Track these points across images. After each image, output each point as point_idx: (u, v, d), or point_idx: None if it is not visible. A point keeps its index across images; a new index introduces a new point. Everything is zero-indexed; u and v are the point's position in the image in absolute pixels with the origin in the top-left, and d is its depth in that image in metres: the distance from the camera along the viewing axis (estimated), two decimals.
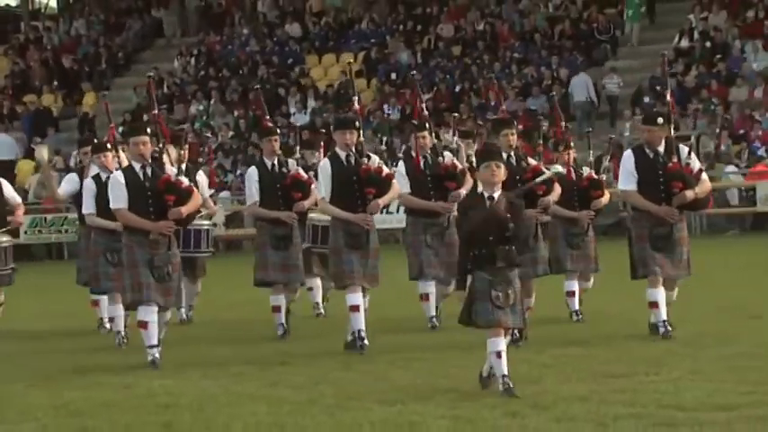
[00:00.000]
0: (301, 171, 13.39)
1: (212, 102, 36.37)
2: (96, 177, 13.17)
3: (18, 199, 14.94)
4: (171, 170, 11.64)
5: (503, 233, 9.13)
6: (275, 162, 13.24)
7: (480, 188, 9.32)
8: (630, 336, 12.05)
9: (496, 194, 9.18)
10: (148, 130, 11.61)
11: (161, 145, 12.09)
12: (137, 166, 11.43)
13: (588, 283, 13.84)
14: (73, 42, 41.41)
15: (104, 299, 14.06)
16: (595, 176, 13.37)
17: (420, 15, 39.28)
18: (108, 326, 14.24)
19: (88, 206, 13.20)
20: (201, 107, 36.03)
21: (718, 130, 30.31)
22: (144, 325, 11.38)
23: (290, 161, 13.57)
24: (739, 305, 11.82)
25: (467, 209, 9.38)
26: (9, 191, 14.69)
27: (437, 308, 13.26)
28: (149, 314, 11.33)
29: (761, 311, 11.02)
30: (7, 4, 46.86)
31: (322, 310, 15.00)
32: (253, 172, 13.28)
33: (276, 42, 39.31)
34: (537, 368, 10.55)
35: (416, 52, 36.95)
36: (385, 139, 32.36)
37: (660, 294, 11.65)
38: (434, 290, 13.18)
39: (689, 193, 11.55)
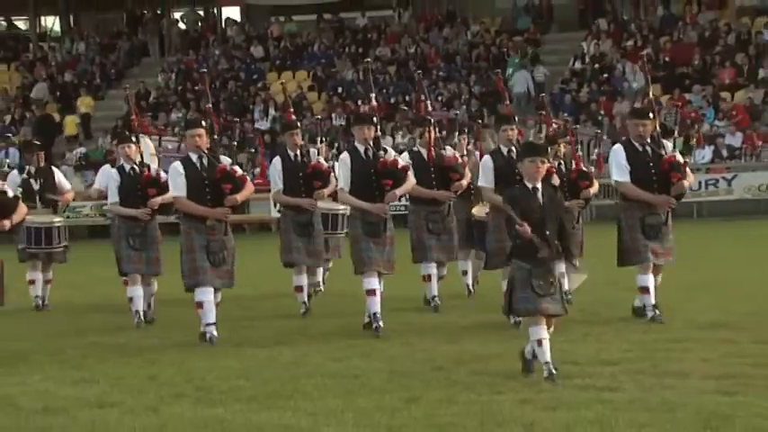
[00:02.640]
0: (322, 161, 12.32)
1: (190, 110, 36.31)
2: (120, 168, 12.12)
3: (68, 185, 14.41)
4: (226, 160, 10.70)
5: (547, 225, 8.08)
6: (297, 153, 12.16)
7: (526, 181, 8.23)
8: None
9: (539, 185, 8.19)
10: (203, 123, 10.72)
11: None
12: (194, 157, 10.50)
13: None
14: (73, 60, 41.27)
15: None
16: (584, 168, 12.12)
17: (362, 40, 39.40)
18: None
19: (112, 195, 12.08)
20: (180, 114, 35.88)
21: (605, 137, 30.52)
22: (200, 305, 10.46)
23: (312, 151, 12.55)
24: (623, 279, 11.90)
25: (514, 199, 8.19)
26: (60, 177, 14.24)
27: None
28: (206, 294, 10.42)
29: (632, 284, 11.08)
30: (18, 28, 46.46)
31: (322, 288, 13.64)
32: (277, 162, 12.19)
33: (242, 61, 39.37)
34: (458, 330, 10.59)
35: (359, 71, 37.02)
36: (328, 139, 32.43)
37: (651, 280, 10.66)
38: (435, 271, 12.31)
39: (686, 183, 10.67)
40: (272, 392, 8.02)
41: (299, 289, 12.28)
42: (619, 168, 10.69)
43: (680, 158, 10.71)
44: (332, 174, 12.16)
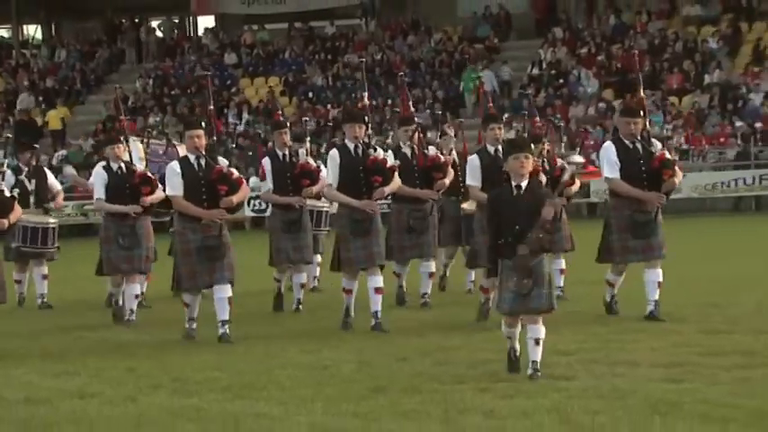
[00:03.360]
0: (310, 160, 11.95)
1: (166, 114, 36.26)
2: (107, 167, 11.54)
3: (59, 186, 14.07)
4: (223, 162, 10.23)
5: (531, 221, 7.63)
6: (286, 152, 11.81)
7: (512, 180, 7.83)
8: None
9: (524, 184, 7.77)
10: (203, 124, 10.29)
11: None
12: (191, 158, 10.08)
13: (562, 261, 11.98)
14: (54, 67, 41.03)
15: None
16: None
17: (331, 48, 39.38)
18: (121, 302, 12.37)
19: (98, 192, 11.50)
20: (158, 118, 35.77)
21: (564, 140, 30.68)
22: (186, 305, 10.26)
23: (300, 151, 12.11)
24: (581, 275, 11.95)
25: (496, 199, 7.94)
26: (51, 179, 13.91)
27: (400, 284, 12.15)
28: (193, 300, 10.23)
29: (597, 279, 11.12)
30: (1, 36, 46.17)
31: (317, 284, 13.70)
32: (266, 162, 11.82)
33: (217, 68, 39.25)
34: (423, 324, 10.61)
35: (328, 76, 37.05)
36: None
37: (620, 280, 10.47)
38: (407, 270, 12.12)
39: (676, 180, 10.22)
40: (245, 383, 8.00)
41: (277, 281, 12.15)
42: (609, 165, 10.25)
43: (669, 156, 10.34)
44: (320, 173, 11.82)
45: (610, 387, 7.25)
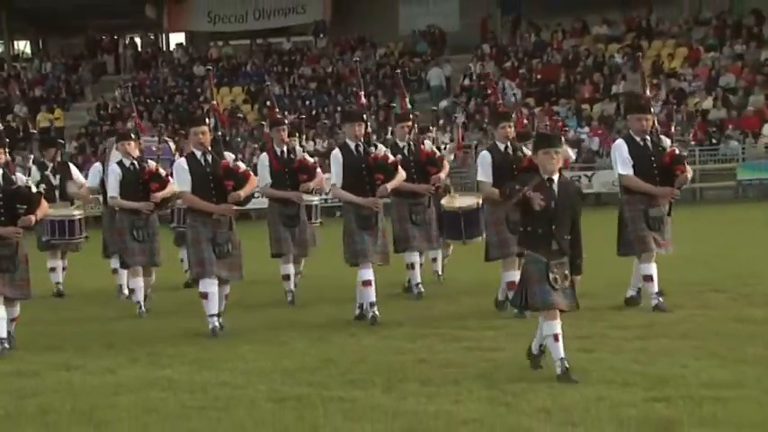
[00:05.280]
0: (307, 156, 11.00)
1: (143, 120, 35.98)
2: (120, 163, 10.59)
3: (83, 179, 12.78)
4: (229, 156, 9.38)
5: (564, 218, 6.67)
6: (284, 149, 10.81)
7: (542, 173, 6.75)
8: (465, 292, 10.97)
9: (555, 178, 6.74)
10: (207, 120, 9.35)
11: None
12: (198, 153, 9.10)
13: None
14: (42, 77, 40.63)
15: (121, 269, 11.49)
16: None
17: (287, 61, 39.30)
18: (126, 291, 11.78)
19: (112, 189, 10.58)
20: (134, 124, 35.59)
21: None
22: (205, 296, 9.06)
23: (298, 148, 11.20)
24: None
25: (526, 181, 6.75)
26: (76, 172, 12.84)
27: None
28: (210, 286, 9.04)
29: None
30: None
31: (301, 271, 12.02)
32: (264, 158, 10.83)
33: (186, 79, 39.11)
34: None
35: (285, 87, 36.94)
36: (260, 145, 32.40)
37: (654, 268, 9.30)
38: (418, 259, 11.05)
39: (688, 175, 9.29)
40: (212, 356, 7.97)
41: (287, 278, 10.86)
42: (622, 161, 9.29)
43: (678, 152, 9.45)
44: (317, 168, 10.96)
45: None
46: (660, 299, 9.21)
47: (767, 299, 9.22)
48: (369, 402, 6.12)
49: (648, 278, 9.27)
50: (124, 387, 6.94)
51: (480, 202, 10.91)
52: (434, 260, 12.06)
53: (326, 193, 16.15)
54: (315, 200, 11.63)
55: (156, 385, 6.94)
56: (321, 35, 40.55)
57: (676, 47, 34.70)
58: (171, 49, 42.99)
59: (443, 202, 11.26)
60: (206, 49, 41.57)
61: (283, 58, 39.75)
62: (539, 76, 34.00)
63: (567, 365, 6.54)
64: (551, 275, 6.63)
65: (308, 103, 35.12)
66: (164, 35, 43.44)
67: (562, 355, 6.58)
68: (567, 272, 6.66)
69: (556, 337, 6.60)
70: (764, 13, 34.37)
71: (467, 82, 35.48)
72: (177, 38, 43.88)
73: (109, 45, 42.53)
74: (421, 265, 11.21)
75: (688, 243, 8.88)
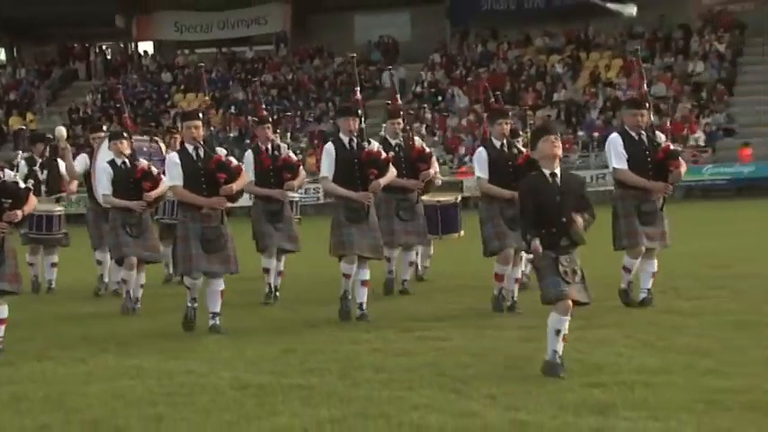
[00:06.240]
0: (291, 154, 10.46)
1: (113, 124, 35.67)
2: (112, 162, 10.09)
3: (74, 170, 11.96)
4: (221, 151, 8.82)
5: (566, 210, 6.17)
6: (269, 146, 10.30)
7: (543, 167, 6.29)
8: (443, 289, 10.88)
9: (557, 170, 6.25)
10: (200, 115, 8.80)
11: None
12: (189, 148, 8.61)
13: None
14: (16, 83, 40.23)
15: (107, 260, 11.18)
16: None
17: (250, 69, 39.14)
18: (106, 280, 11.54)
19: (104, 187, 10.07)
20: (105, 126, 35.23)
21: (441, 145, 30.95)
22: (188, 288, 8.71)
23: (282, 145, 10.58)
24: (467, 254, 11.94)
25: (531, 188, 6.30)
26: (63, 169, 12.18)
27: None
28: (193, 284, 8.64)
29: (465, 258, 11.16)
30: None
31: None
32: (249, 155, 10.26)
33: (155, 85, 38.80)
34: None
35: (248, 92, 36.78)
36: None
37: (636, 263, 8.92)
38: (403, 255, 10.53)
39: (682, 170, 8.87)
40: (179, 346, 7.91)
41: (267, 271, 10.32)
42: (617, 156, 8.85)
43: (673, 147, 9.03)
44: (301, 167, 10.47)
45: (478, 346, 7.30)
46: (649, 294, 8.91)
47: (693, 293, 9.34)
48: (325, 389, 6.10)
49: (626, 270, 8.96)
50: (94, 375, 6.87)
51: (459, 198, 10.79)
52: (416, 254, 11.40)
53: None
54: (295, 196, 11.23)
55: (125, 374, 6.87)
56: (282, 45, 40.48)
57: (612, 58, 35.06)
58: (140, 53, 42.66)
59: (423, 197, 10.82)
60: (173, 56, 41.32)
61: (246, 65, 39.65)
62: (485, 85, 34.19)
63: (560, 360, 6.16)
64: (561, 269, 6.18)
65: (269, 107, 35.09)
66: (133, 44, 43.07)
67: (559, 350, 6.19)
68: (576, 267, 6.22)
69: (558, 332, 6.19)
70: (692, 29, 34.84)
71: (418, 89, 35.57)
72: (146, 46, 43.58)
73: (80, 53, 42.16)
74: (412, 262, 10.75)
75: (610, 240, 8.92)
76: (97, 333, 8.77)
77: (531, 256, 6.49)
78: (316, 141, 33.20)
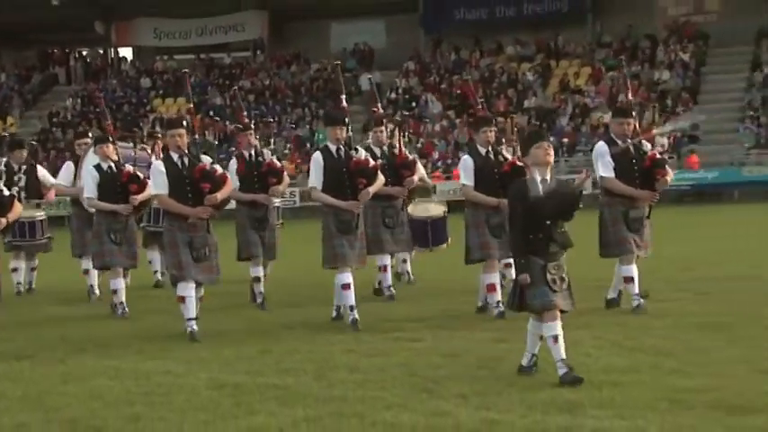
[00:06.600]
0: (275, 160, 10.22)
1: (92, 127, 35.50)
2: (98, 166, 9.80)
3: (51, 180, 11.89)
4: (207, 159, 8.47)
5: (561, 215, 6.05)
6: (252, 152, 10.09)
7: (533, 174, 6.11)
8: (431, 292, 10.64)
9: (548, 176, 6.09)
10: (184, 123, 8.49)
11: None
12: (174, 156, 8.34)
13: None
14: None
15: (93, 270, 10.82)
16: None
17: (228, 74, 39.04)
18: (97, 292, 11.20)
19: (90, 191, 9.77)
20: (90, 134, 35.07)
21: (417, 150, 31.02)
22: (182, 299, 8.31)
23: (266, 151, 10.41)
24: (447, 259, 11.89)
25: (520, 195, 6.11)
26: (43, 173, 12.01)
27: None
28: (188, 290, 8.28)
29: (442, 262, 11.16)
30: None
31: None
32: (233, 162, 10.04)
33: (134, 90, 38.62)
34: (305, 299, 10.52)
35: (226, 98, 36.67)
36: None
37: (635, 270, 8.71)
38: (389, 262, 10.29)
39: (668, 179, 8.69)
40: (156, 347, 7.87)
41: (257, 280, 10.10)
42: (604, 164, 8.62)
43: (660, 156, 8.84)
44: (284, 172, 10.23)
45: (449, 347, 7.30)
46: (641, 300, 8.64)
47: (659, 295, 9.40)
48: (301, 389, 6.09)
49: (629, 279, 8.70)
50: (73, 375, 6.83)
51: (446, 210, 10.72)
52: (405, 261, 11.40)
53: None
54: (277, 201, 10.92)
55: (103, 374, 6.83)
56: (259, 51, 40.39)
57: (581, 66, 35.25)
58: (120, 57, 42.47)
59: (409, 209, 10.53)
60: (152, 62, 41.15)
61: (224, 71, 39.53)
62: (458, 91, 34.26)
63: (568, 367, 5.94)
64: (549, 277, 6.04)
65: (246, 112, 35.06)
66: (112, 49, 42.85)
67: (563, 355, 5.98)
68: (564, 274, 6.09)
69: (555, 339, 6.01)
70: (658, 39, 35.13)
71: (393, 95, 35.61)
72: (125, 51, 43.40)
73: (60, 58, 41.88)
74: (392, 266, 10.60)
75: (594, 244, 8.93)
76: (76, 334, 8.71)
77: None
78: (291, 146, 33.18)
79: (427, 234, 10.76)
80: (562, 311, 6.12)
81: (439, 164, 31.12)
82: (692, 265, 12.02)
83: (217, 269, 8.47)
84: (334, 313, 8.94)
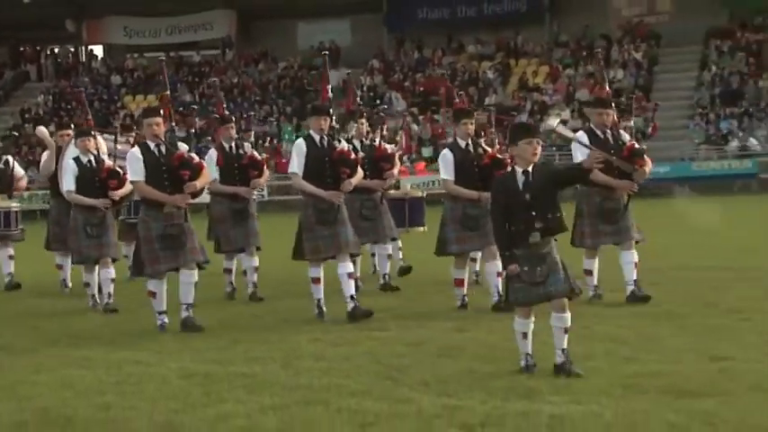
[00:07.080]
0: (256, 153, 10.02)
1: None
2: (77, 159, 9.49)
3: (22, 173, 11.89)
4: (183, 147, 8.16)
5: (544, 203, 5.81)
6: (232, 145, 9.86)
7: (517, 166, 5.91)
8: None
9: (530, 169, 5.85)
10: (161, 112, 8.16)
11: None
12: (151, 145, 8.02)
13: None
14: None
15: (68, 263, 10.67)
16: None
17: (197, 72, 38.82)
18: (69, 285, 11.03)
19: (69, 184, 9.43)
20: (72, 126, 34.71)
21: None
22: (153, 294, 8.14)
23: (246, 144, 10.15)
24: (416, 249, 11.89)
25: (502, 188, 5.94)
26: (16, 168, 11.80)
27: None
28: (158, 286, 8.10)
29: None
30: None
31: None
32: (212, 154, 9.76)
33: (105, 87, 38.28)
34: (276, 292, 10.50)
35: (195, 95, 36.48)
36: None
37: (595, 264, 8.66)
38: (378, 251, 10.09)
39: (647, 169, 8.45)
40: (128, 338, 7.81)
41: (229, 271, 10.05)
42: (582, 154, 7.86)
43: (638, 146, 8.59)
44: (265, 165, 10.05)
45: (413, 337, 7.31)
46: (638, 288, 8.49)
47: (614, 285, 9.48)
48: (269, 377, 6.08)
49: (588, 272, 8.67)
50: (45, 365, 6.76)
51: (425, 193, 10.50)
52: (389, 256, 10.46)
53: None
54: (254, 194, 10.52)
55: (74, 364, 6.77)
56: (227, 49, 40.18)
57: (539, 65, 35.45)
58: (92, 55, 42.00)
59: (392, 192, 10.52)
60: (122, 60, 40.80)
61: (194, 69, 39.31)
62: (421, 89, 34.33)
63: (531, 361, 5.93)
64: (525, 269, 5.83)
65: (215, 108, 34.93)
66: (83, 47, 42.42)
67: (529, 350, 5.94)
68: (545, 264, 5.82)
69: (524, 335, 5.94)
70: (612, 39, 35.40)
71: (359, 93, 35.59)
72: (96, 49, 42.96)
73: (31, 55, 41.38)
74: (389, 255, 10.27)
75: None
76: (49, 326, 8.62)
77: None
78: (260, 142, 33.04)
79: (404, 212, 10.52)
80: (552, 299, 5.84)
81: (404, 159, 31.12)
82: (644, 257, 12.11)
83: (202, 250, 8.17)
84: (316, 310, 8.51)
